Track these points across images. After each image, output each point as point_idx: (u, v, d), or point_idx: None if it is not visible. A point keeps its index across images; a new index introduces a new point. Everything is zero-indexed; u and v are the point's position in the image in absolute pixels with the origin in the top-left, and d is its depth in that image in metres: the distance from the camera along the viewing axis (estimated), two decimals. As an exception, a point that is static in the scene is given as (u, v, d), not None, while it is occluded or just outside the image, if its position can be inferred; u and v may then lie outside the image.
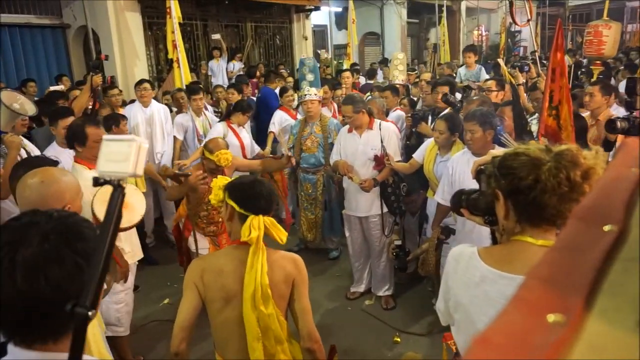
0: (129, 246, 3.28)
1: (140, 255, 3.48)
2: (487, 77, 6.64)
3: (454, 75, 8.23)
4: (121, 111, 5.47)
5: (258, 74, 9.44)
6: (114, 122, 4.56)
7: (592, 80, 6.00)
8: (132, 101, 6.08)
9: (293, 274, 2.04)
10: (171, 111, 6.02)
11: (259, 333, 1.96)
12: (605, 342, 0.36)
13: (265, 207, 2.03)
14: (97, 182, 1.10)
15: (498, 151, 1.48)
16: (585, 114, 4.45)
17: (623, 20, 19.87)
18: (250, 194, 2.04)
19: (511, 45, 17.87)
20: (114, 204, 1.03)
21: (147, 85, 5.57)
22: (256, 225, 1.97)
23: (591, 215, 0.62)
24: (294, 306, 2.06)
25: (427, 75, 6.40)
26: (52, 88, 6.91)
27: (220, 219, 3.78)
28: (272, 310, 1.95)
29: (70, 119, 3.82)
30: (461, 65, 8.44)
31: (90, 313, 0.99)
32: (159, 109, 5.65)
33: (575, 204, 1.18)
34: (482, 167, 1.43)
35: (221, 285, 1.97)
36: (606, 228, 0.56)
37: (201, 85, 6.82)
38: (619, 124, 2.36)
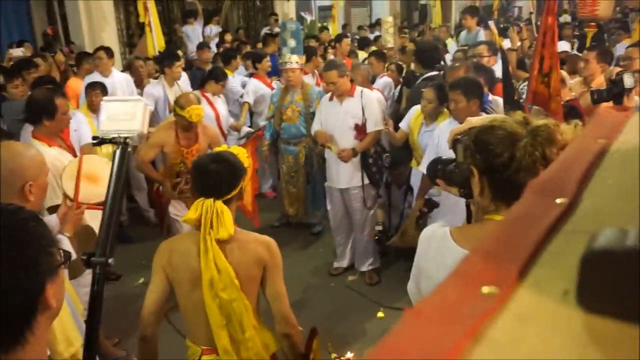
0: (95, 226, 3.27)
1: None
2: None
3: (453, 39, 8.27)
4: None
5: (229, 38, 9.29)
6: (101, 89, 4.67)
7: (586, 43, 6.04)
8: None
9: (265, 257, 2.03)
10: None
11: (222, 320, 1.98)
12: (531, 312, 0.39)
13: (213, 190, 1.95)
14: (100, 141, 1.18)
15: (476, 119, 1.50)
16: (575, 79, 4.49)
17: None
18: (200, 173, 1.99)
19: (505, 5, 17.77)
20: (121, 162, 1.12)
21: (101, 53, 5.48)
22: (200, 208, 1.93)
23: (545, 188, 0.65)
24: (267, 291, 2.07)
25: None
26: (11, 51, 6.79)
27: None
28: (235, 295, 1.96)
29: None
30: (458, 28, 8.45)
31: (110, 260, 1.06)
32: (120, 80, 5.57)
33: None
34: (458, 136, 1.45)
35: (188, 266, 1.98)
36: (558, 201, 0.60)
37: (180, 52, 6.68)
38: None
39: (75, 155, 3.24)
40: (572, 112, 3.08)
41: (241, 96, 5.99)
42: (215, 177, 1.95)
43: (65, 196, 2.51)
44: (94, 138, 1.22)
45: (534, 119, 1.29)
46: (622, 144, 0.81)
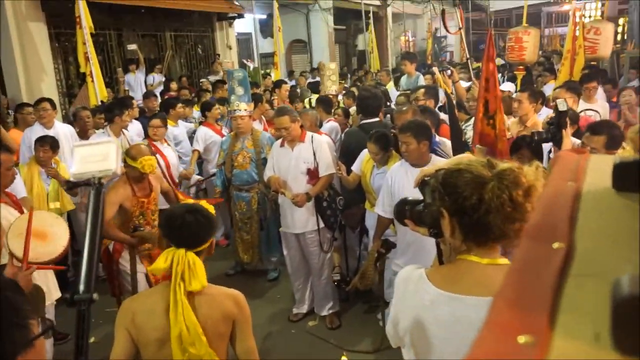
0: (44, 284, 3.10)
1: (57, 294, 3.34)
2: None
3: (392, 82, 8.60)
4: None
5: (175, 86, 9.30)
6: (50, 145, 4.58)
7: (517, 85, 6.44)
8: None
9: (234, 312, 2.00)
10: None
11: None
12: (573, 357, 0.42)
13: (188, 241, 1.95)
14: (74, 185, 1.19)
15: (442, 163, 1.56)
16: (512, 119, 4.76)
17: (540, 25, 21.48)
18: (174, 224, 1.98)
19: (438, 50, 18.75)
20: (97, 200, 1.12)
21: (46, 104, 5.31)
22: (170, 258, 1.91)
23: (539, 233, 0.70)
24: (238, 347, 2.03)
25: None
26: None
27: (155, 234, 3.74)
28: (204, 351, 1.91)
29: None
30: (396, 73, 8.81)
31: (94, 296, 1.04)
32: (64, 131, 5.41)
33: (518, 223, 1.25)
34: (425, 178, 1.49)
35: (154, 326, 1.92)
36: (555, 245, 0.64)
37: (134, 102, 6.55)
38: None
39: (21, 211, 3.09)
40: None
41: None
42: (191, 227, 1.95)
43: (12, 255, 2.38)
44: (67, 182, 1.25)
45: (498, 162, 1.35)
46: (591, 186, 0.88)
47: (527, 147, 3.06)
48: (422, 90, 5.50)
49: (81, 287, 1.10)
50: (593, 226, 0.73)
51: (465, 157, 1.54)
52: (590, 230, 0.71)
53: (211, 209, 2.12)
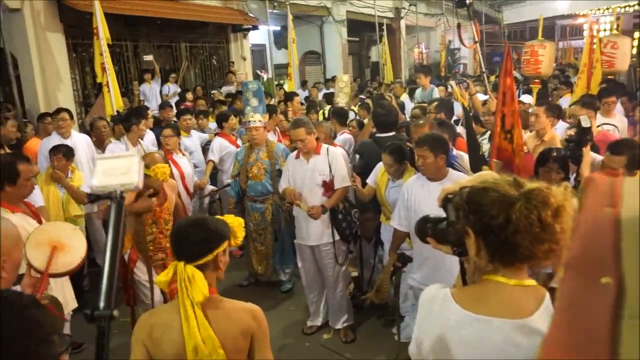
0: (61, 295, 3.11)
1: (74, 304, 3.33)
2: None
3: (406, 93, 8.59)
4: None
5: (191, 96, 9.35)
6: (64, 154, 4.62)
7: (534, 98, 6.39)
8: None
9: (252, 327, 1.96)
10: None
11: None
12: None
13: (186, 253, 1.89)
14: (96, 197, 1.18)
15: (465, 180, 1.53)
16: (529, 134, 4.71)
17: (554, 38, 21.40)
18: (175, 235, 1.95)
19: (451, 62, 18.71)
20: (118, 214, 1.12)
21: (64, 114, 5.38)
22: (170, 271, 1.87)
23: (584, 266, 0.67)
24: None
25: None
26: None
27: (168, 244, 3.73)
28: None
29: None
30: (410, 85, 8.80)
31: (114, 312, 1.04)
32: (81, 140, 5.47)
33: (547, 244, 1.22)
34: (449, 195, 1.46)
35: (170, 340, 1.89)
36: (603, 280, 0.61)
37: (149, 112, 6.60)
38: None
39: (40, 221, 3.10)
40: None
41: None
42: (186, 240, 1.91)
43: (30, 266, 2.38)
44: (89, 195, 1.22)
45: (525, 182, 1.32)
46: (630, 212, 0.84)
47: (554, 160, 3.01)
48: (435, 103, 5.48)
49: (101, 304, 1.09)
50: (639, 258, 0.70)
51: (490, 174, 1.51)
52: (637, 263, 0.68)
53: (238, 221, 2.07)
